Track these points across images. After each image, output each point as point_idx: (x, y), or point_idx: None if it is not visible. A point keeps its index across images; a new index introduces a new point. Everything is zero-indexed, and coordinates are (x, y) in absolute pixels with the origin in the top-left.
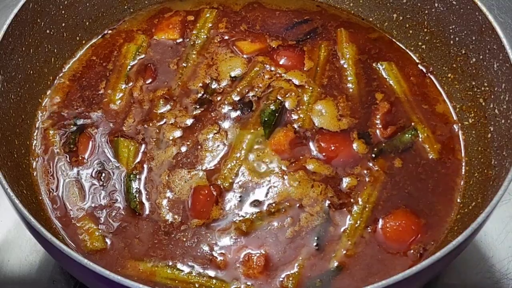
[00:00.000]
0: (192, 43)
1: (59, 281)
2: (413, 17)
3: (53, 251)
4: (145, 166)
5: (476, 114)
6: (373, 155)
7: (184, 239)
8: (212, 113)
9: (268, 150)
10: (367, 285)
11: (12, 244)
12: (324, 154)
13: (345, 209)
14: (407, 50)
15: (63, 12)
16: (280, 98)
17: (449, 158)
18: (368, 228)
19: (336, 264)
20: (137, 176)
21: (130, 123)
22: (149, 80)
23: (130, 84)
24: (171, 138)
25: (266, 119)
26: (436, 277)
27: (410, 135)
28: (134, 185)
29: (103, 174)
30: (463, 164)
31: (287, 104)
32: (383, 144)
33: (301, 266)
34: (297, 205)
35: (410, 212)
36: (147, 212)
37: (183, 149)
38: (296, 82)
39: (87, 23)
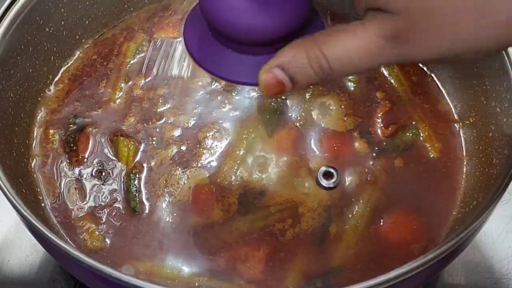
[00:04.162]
0: None
1: (59, 281)
2: None
3: (53, 251)
4: (145, 165)
5: (477, 113)
6: (374, 154)
7: (184, 239)
8: (212, 112)
9: (270, 148)
10: (367, 285)
11: (12, 244)
12: (326, 153)
13: (345, 208)
14: None
15: (62, 10)
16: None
17: (450, 157)
18: (369, 228)
19: (336, 264)
20: (137, 175)
21: (130, 122)
22: (149, 79)
23: (130, 83)
24: (171, 137)
25: (267, 117)
26: (436, 277)
27: (411, 134)
28: (134, 184)
29: (103, 174)
30: (464, 163)
31: (288, 102)
32: (384, 143)
33: (301, 266)
34: (298, 204)
35: (411, 211)
36: (147, 211)
37: (183, 148)
38: None
39: (87, 22)
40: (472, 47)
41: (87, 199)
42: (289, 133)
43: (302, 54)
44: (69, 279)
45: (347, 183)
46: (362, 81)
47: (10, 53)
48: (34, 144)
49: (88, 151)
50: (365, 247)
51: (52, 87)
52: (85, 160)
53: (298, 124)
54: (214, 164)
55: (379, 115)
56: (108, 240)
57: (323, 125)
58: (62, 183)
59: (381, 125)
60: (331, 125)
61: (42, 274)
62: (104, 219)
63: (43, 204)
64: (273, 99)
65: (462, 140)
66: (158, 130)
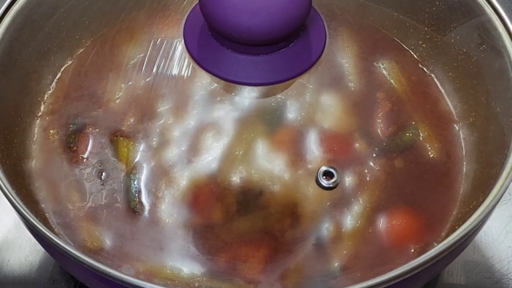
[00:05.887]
0: None
1: (59, 281)
2: (413, 15)
3: (53, 251)
4: (144, 165)
5: (477, 113)
6: (374, 155)
7: (184, 239)
8: (212, 112)
9: (269, 148)
10: (367, 284)
11: (12, 244)
12: (326, 153)
13: (345, 209)
14: (408, 49)
15: (62, 10)
16: (281, 96)
17: (450, 157)
18: (369, 228)
19: (336, 264)
20: (137, 176)
21: (130, 122)
22: (149, 79)
23: (130, 83)
24: (170, 137)
25: (267, 117)
26: (436, 277)
27: (411, 134)
28: (134, 184)
29: (103, 174)
30: (464, 163)
31: (288, 102)
32: (384, 144)
33: (301, 266)
34: (298, 205)
35: (411, 211)
36: (146, 211)
37: (183, 148)
38: (298, 79)
39: (87, 22)
40: None
41: (87, 199)
42: (289, 133)
43: None
44: (69, 279)
45: (347, 183)
46: (362, 81)
47: (10, 53)
48: (34, 144)
49: (88, 151)
50: (365, 247)
51: (52, 87)
52: (85, 160)
53: (298, 124)
54: (213, 164)
55: (379, 115)
56: (108, 240)
57: (323, 125)
58: (62, 183)
59: (381, 125)
60: (331, 125)
61: (42, 274)
62: (104, 220)
63: (43, 205)
64: (273, 99)
65: (462, 140)
66: (158, 130)
